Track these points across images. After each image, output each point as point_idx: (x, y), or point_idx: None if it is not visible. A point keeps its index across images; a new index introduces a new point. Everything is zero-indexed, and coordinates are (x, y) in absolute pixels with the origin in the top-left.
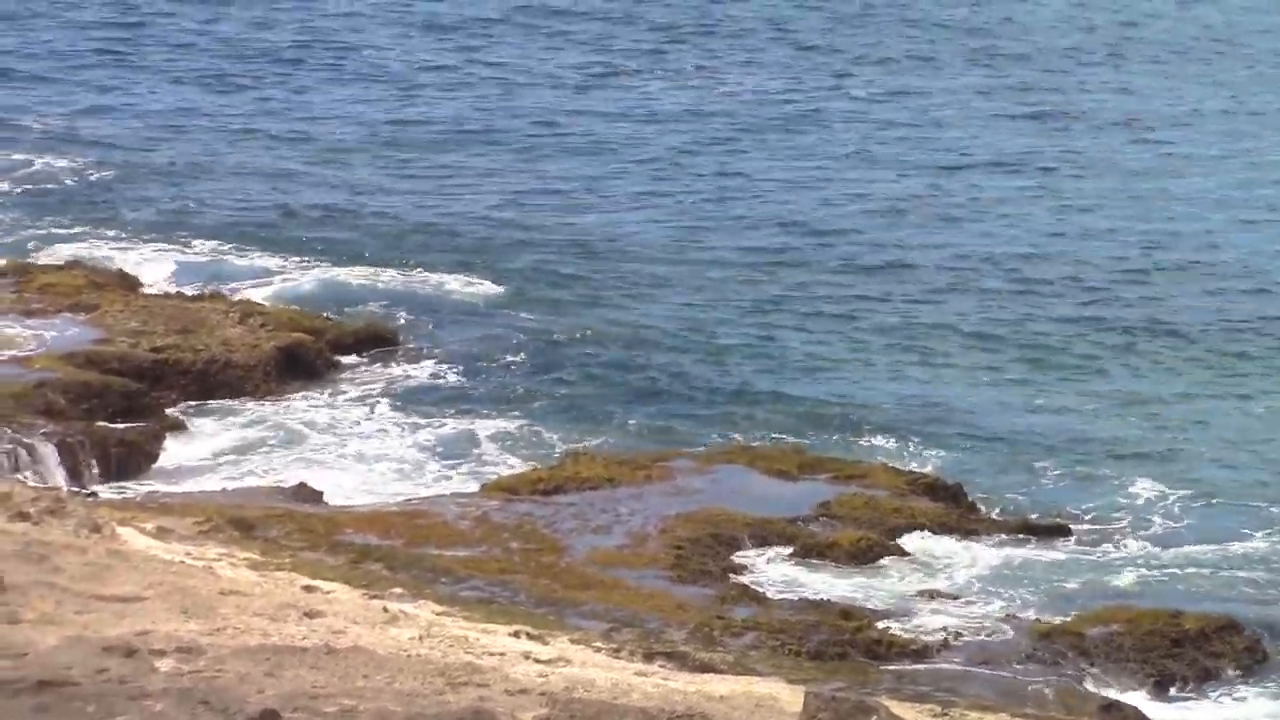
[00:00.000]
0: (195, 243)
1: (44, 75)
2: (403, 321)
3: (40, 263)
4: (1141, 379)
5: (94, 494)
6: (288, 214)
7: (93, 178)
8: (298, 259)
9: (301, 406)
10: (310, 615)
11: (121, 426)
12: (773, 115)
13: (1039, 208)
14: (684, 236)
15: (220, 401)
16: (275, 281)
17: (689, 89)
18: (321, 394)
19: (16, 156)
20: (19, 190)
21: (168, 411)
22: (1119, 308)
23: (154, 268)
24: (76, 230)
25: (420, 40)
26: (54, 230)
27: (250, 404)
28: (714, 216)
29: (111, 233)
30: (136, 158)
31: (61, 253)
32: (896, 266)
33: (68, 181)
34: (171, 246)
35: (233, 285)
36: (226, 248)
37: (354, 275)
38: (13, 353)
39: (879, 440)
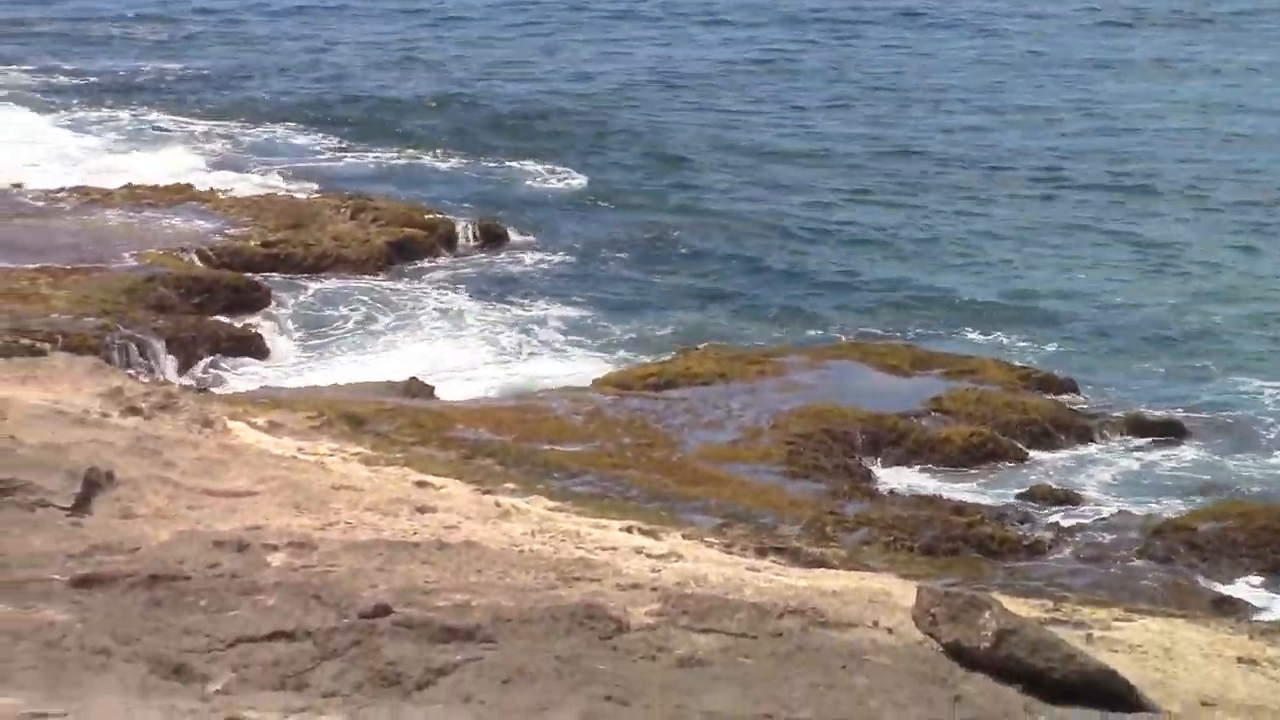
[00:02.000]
0: (295, 133)
1: None
2: (510, 215)
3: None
4: (1256, 277)
5: (205, 389)
6: (392, 105)
7: (188, 75)
8: (399, 150)
9: (410, 298)
10: (422, 510)
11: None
12: (886, 9)
13: (1149, 109)
14: (788, 130)
15: (326, 287)
16: (373, 170)
17: None
18: (430, 286)
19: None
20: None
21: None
22: (1233, 209)
23: (258, 161)
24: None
25: None
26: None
27: (358, 293)
28: (819, 110)
29: (208, 123)
30: (245, 55)
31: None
32: (1004, 162)
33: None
34: (274, 132)
35: (336, 179)
36: (330, 140)
37: (458, 166)
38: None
39: (990, 335)
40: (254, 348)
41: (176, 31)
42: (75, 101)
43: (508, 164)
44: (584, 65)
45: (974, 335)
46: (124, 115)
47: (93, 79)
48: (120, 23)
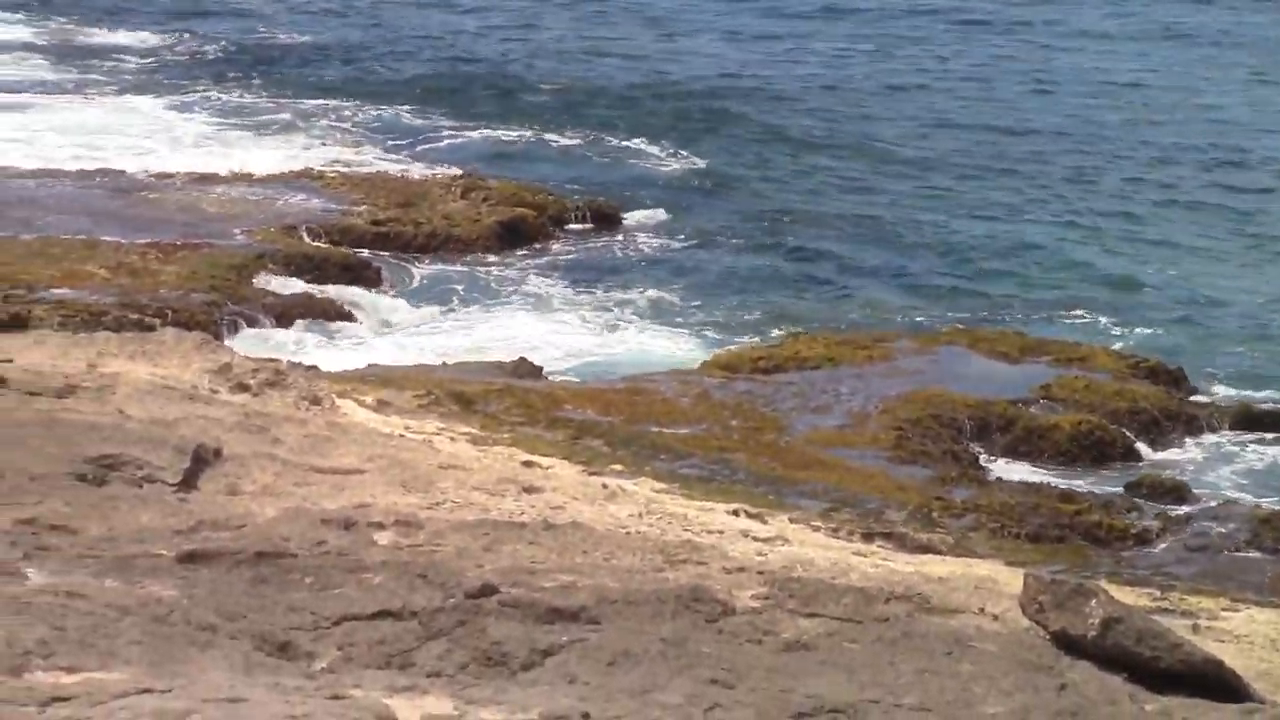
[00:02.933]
0: (409, 113)
1: None
2: (622, 195)
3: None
4: None
5: (314, 365)
6: (509, 83)
7: (301, 49)
8: (516, 129)
9: (518, 277)
10: (529, 490)
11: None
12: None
13: (1251, 88)
14: (892, 120)
15: (435, 265)
16: (488, 150)
17: None
18: (539, 266)
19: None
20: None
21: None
22: None
23: (369, 138)
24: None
25: None
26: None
27: (466, 272)
28: (923, 105)
29: (320, 101)
30: (356, 30)
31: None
32: (1104, 147)
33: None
34: (398, 115)
35: (448, 160)
36: (444, 119)
37: (574, 146)
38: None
39: (1096, 322)
40: (358, 323)
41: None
42: (186, 81)
43: (624, 144)
44: (705, 48)
45: (1080, 322)
46: (234, 95)
47: (205, 56)
48: None
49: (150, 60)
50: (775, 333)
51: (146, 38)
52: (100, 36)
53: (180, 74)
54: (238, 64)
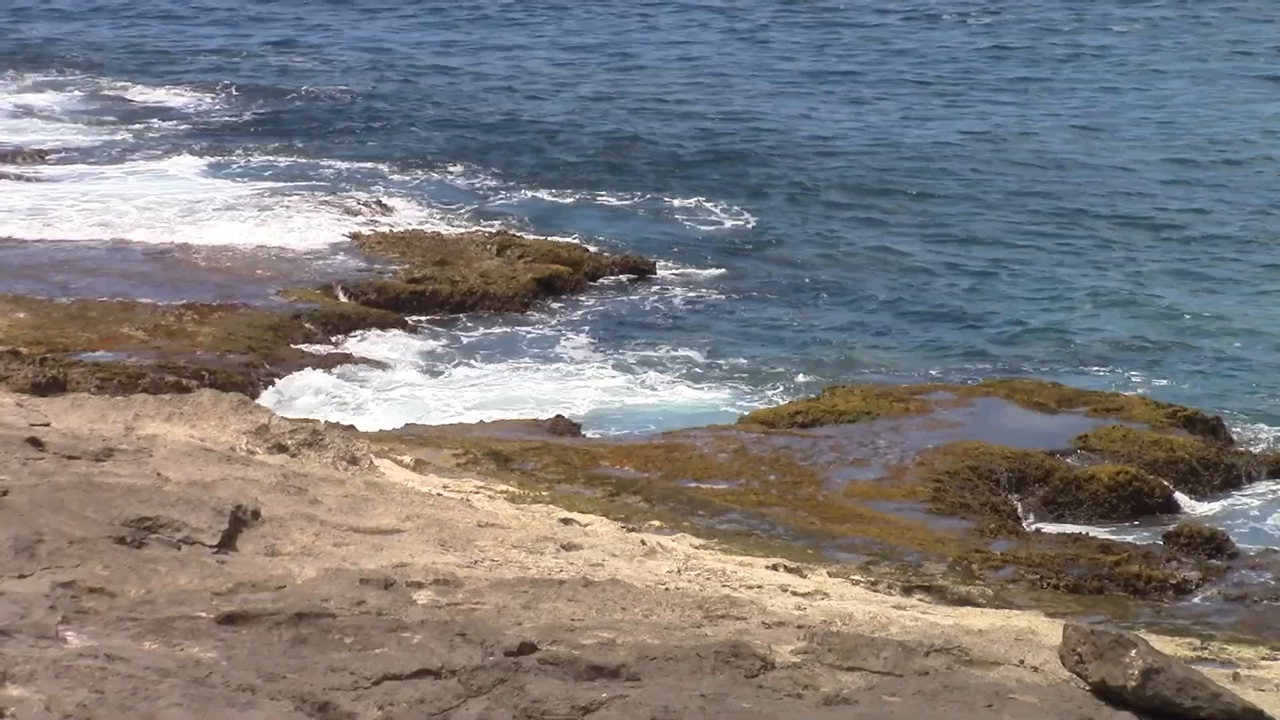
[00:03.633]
0: (446, 173)
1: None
2: (660, 250)
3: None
4: None
5: (351, 425)
6: (551, 141)
7: (339, 107)
8: (557, 189)
9: (553, 333)
10: (567, 548)
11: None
12: (1051, 55)
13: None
14: (931, 170)
15: (471, 322)
16: (526, 205)
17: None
18: (574, 321)
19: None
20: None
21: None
22: None
23: (406, 199)
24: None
25: None
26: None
27: (502, 328)
28: (963, 154)
29: (345, 160)
30: (392, 86)
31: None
32: (1146, 195)
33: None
34: (434, 174)
35: (493, 217)
36: (486, 179)
37: (609, 202)
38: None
39: (1134, 371)
40: (393, 381)
41: (321, 61)
42: (223, 142)
43: (661, 199)
44: (751, 105)
45: (1116, 372)
46: (272, 156)
47: (242, 115)
48: (267, 51)
49: (188, 120)
50: (810, 385)
51: (186, 95)
52: (137, 95)
53: (218, 135)
54: (275, 123)
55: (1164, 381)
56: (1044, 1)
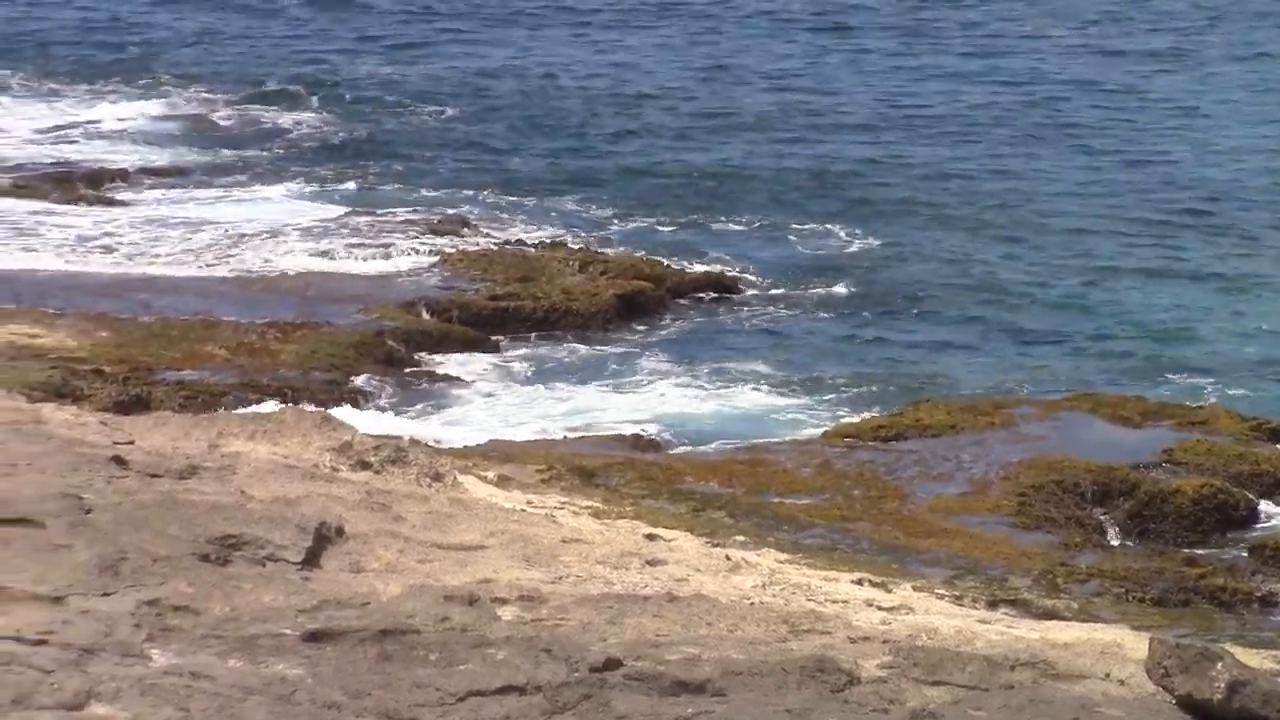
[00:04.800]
0: (549, 194)
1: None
2: (743, 265)
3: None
4: None
5: (435, 442)
6: (637, 160)
7: (405, 132)
8: (668, 218)
9: (634, 349)
10: (652, 563)
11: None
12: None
13: None
14: (1021, 183)
15: (552, 339)
16: (615, 230)
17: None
18: (656, 337)
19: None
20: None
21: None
22: None
23: (498, 219)
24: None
25: None
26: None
27: (583, 345)
28: (1054, 169)
29: (436, 181)
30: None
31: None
32: (1228, 213)
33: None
34: (529, 197)
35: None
36: (581, 201)
37: (709, 223)
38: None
39: (1216, 384)
40: (477, 397)
41: (422, 78)
42: (318, 167)
43: (752, 217)
44: (835, 117)
45: (1200, 384)
46: (359, 180)
47: (337, 138)
48: (365, 67)
49: (281, 139)
50: (894, 399)
51: (279, 113)
52: (228, 112)
53: (310, 156)
54: (368, 143)
55: (1247, 394)
56: (1141, 20)
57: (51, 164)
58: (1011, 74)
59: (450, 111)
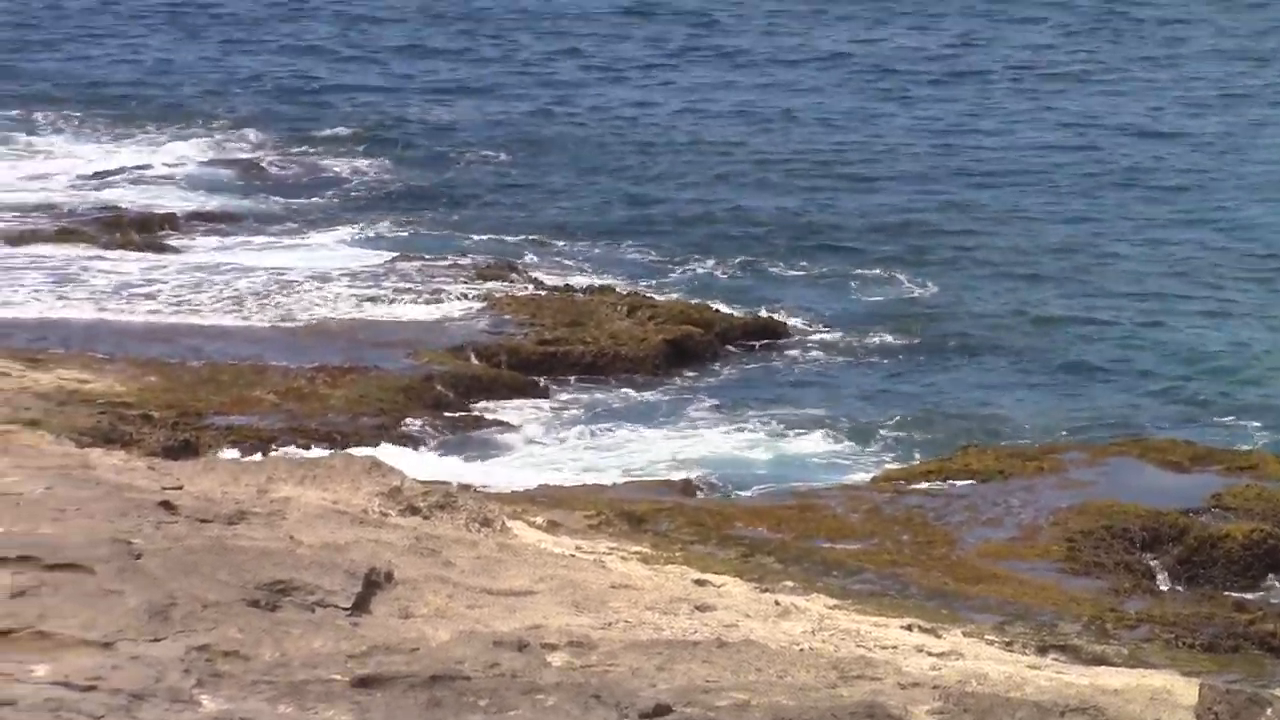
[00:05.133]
0: (601, 239)
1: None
2: (797, 314)
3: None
4: None
5: (484, 487)
6: (696, 205)
7: (460, 180)
8: (702, 253)
9: (683, 394)
10: (701, 609)
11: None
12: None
13: None
14: (1074, 227)
15: (601, 386)
16: (668, 276)
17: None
18: (704, 383)
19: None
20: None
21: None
22: None
23: (552, 265)
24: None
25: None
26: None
27: (631, 389)
28: (1108, 212)
29: (479, 229)
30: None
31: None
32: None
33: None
34: (581, 242)
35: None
36: (624, 246)
37: (759, 268)
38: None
39: (1265, 428)
40: (524, 443)
41: (480, 118)
42: (373, 213)
43: (818, 269)
44: (923, 168)
45: (1248, 429)
46: (410, 226)
47: (391, 185)
48: (419, 105)
49: (332, 185)
50: (942, 445)
51: (334, 161)
52: (279, 155)
53: (362, 202)
54: (418, 190)
55: None
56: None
57: (100, 209)
58: (1066, 116)
59: (502, 156)
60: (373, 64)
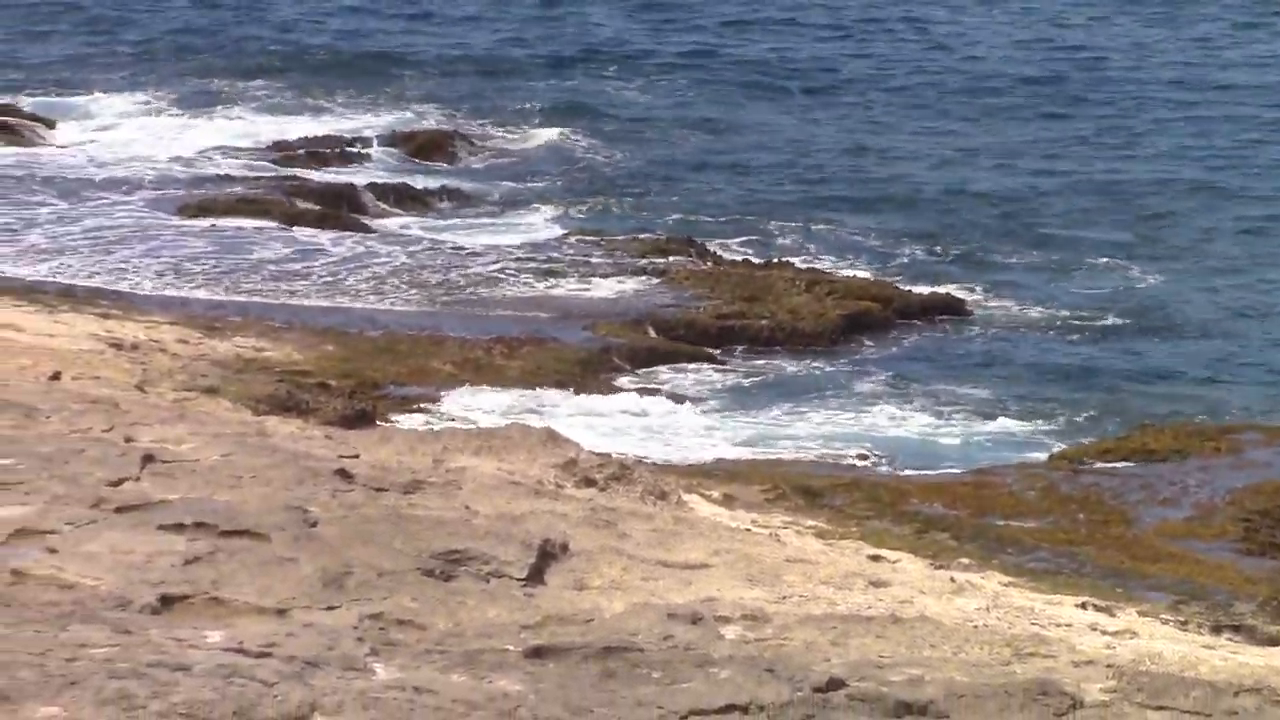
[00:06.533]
0: (795, 226)
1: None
2: (975, 290)
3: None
4: None
5: (661, 459)
6: (886, 189)
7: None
8: (889, 232)
9: (859, 370)
10: (876, 584)
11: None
12: None
13: None
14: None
15: (778, 360)
16: (852, 253)
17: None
18: (880, 358)
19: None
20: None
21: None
22: None
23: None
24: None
25: None
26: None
27: (807, 364)
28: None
29: (664, 206)
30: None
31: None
32: None
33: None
34: (774, 224)
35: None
36: (813, 224)
37: (941, 246)
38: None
39: None
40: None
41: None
42: (570, 196)
43: (998, 247)
44: (1155, 147)
45: None
46: (599, 207)
47: (581, 166)
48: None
49: (525, 166)
50: (1120, 423)
51: (521, 139)
52: (465, 137)
53: (552, 182)
54: (606, 169)
55: None
56: None
57: (283, 178)
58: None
59: (690, 136)
60: (560, 46)
